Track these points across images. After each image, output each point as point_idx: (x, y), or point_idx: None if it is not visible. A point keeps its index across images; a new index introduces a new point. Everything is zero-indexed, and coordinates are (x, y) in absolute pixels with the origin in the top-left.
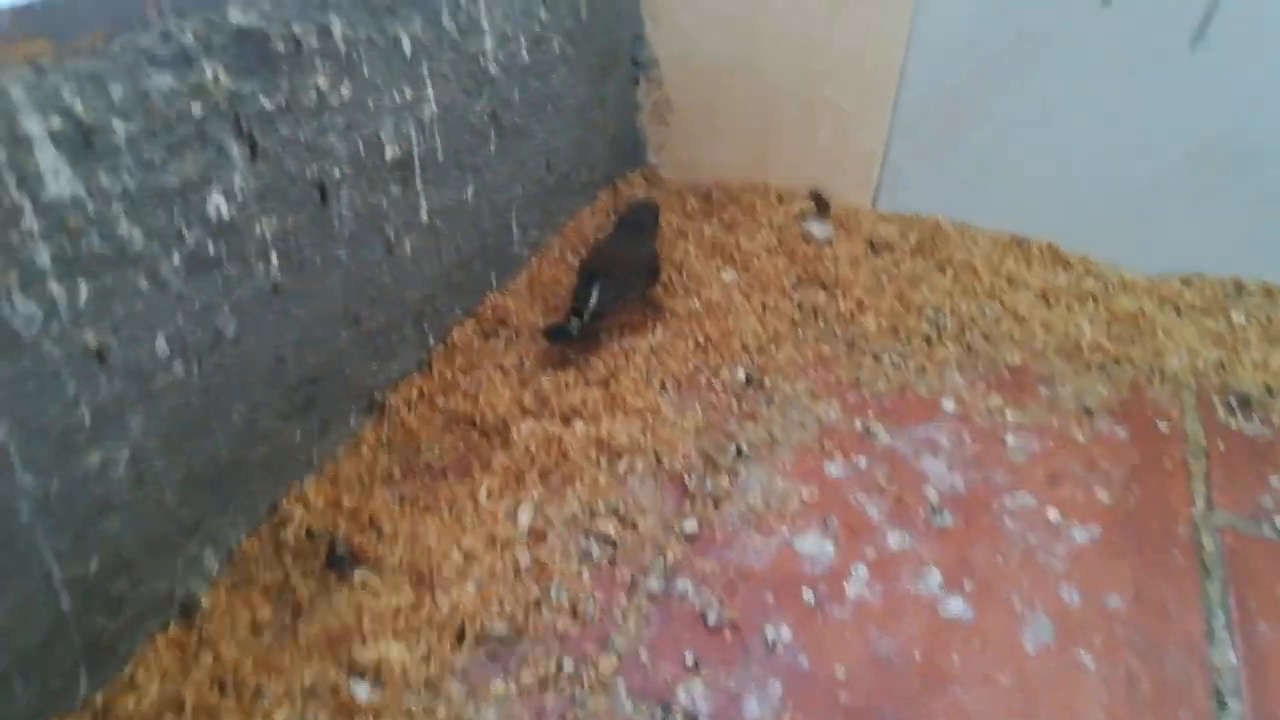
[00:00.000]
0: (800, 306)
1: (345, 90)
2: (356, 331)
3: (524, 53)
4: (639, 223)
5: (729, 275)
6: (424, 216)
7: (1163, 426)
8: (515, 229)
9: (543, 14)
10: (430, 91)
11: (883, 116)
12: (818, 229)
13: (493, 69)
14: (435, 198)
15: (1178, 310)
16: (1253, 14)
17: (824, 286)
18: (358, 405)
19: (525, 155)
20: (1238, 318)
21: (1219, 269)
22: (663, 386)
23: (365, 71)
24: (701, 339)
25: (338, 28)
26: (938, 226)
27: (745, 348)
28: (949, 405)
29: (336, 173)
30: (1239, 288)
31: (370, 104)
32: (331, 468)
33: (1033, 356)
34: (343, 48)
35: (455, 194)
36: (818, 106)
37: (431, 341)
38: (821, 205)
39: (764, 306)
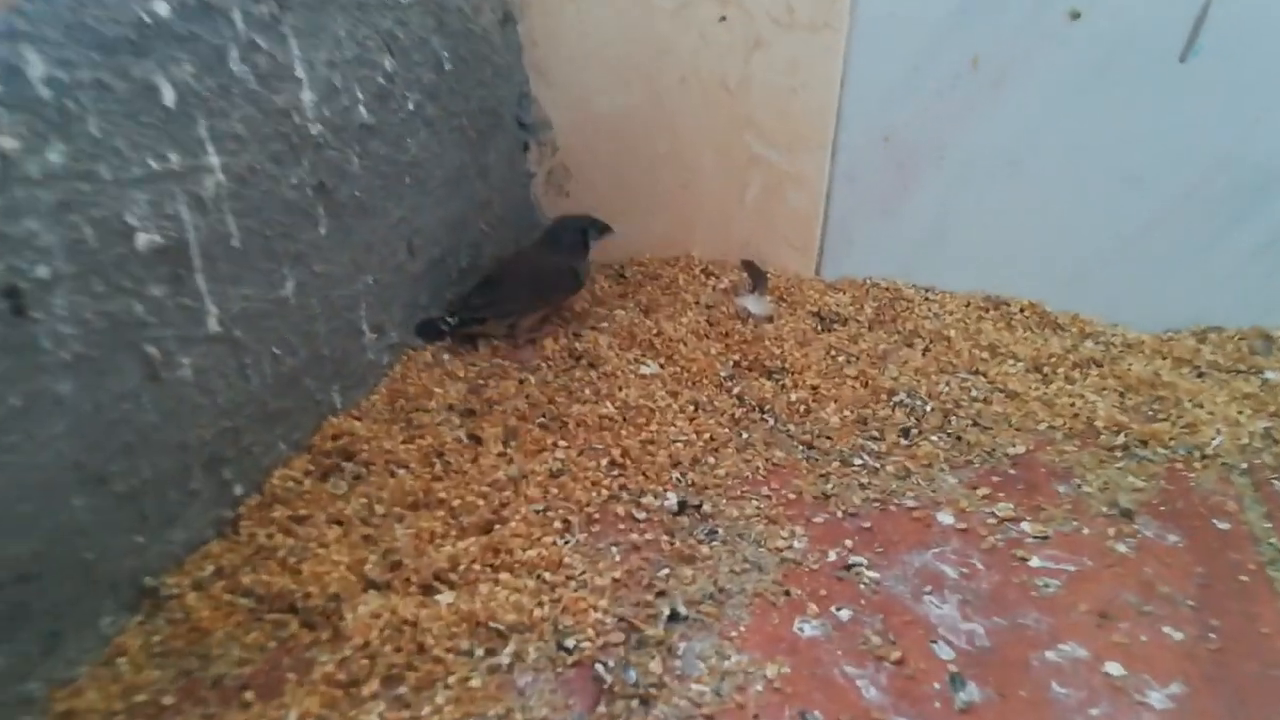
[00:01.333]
0: (741, 401)
1: (54, 155)
2: (102, 495)
3: (362, 109)
4: (557, 238)
5: (649, 368)
6: (213, 325)
7: (1222, 525)
8: (367, 330)
9: (387, 63)
10: (213, 158)
11: (820, 167)
12: (754, 304)
13: (315, 129)
14: (231, 298)
15: (1199, 372)
16: (1253, 12)
17: (769, 374)
18: (115, 599)
19: (375, 238)
20: (1274, 375)
21: (1237, 320)
22: (566, 526)
23: (93, 130)
24: (618, 454)
25: (35, 68)
26: (897, 292)
27: (675, 461)
28: (946, 518)
29: (40, 271)
30: (1267, 339)
31: (104, 174)
32: (64, 702)
33: (1039, 444)
34: (46, 94)
35: (265, 291)
36: (742, 161)
37: (239, 492)
38: (757, 276)
39: (696, 405)
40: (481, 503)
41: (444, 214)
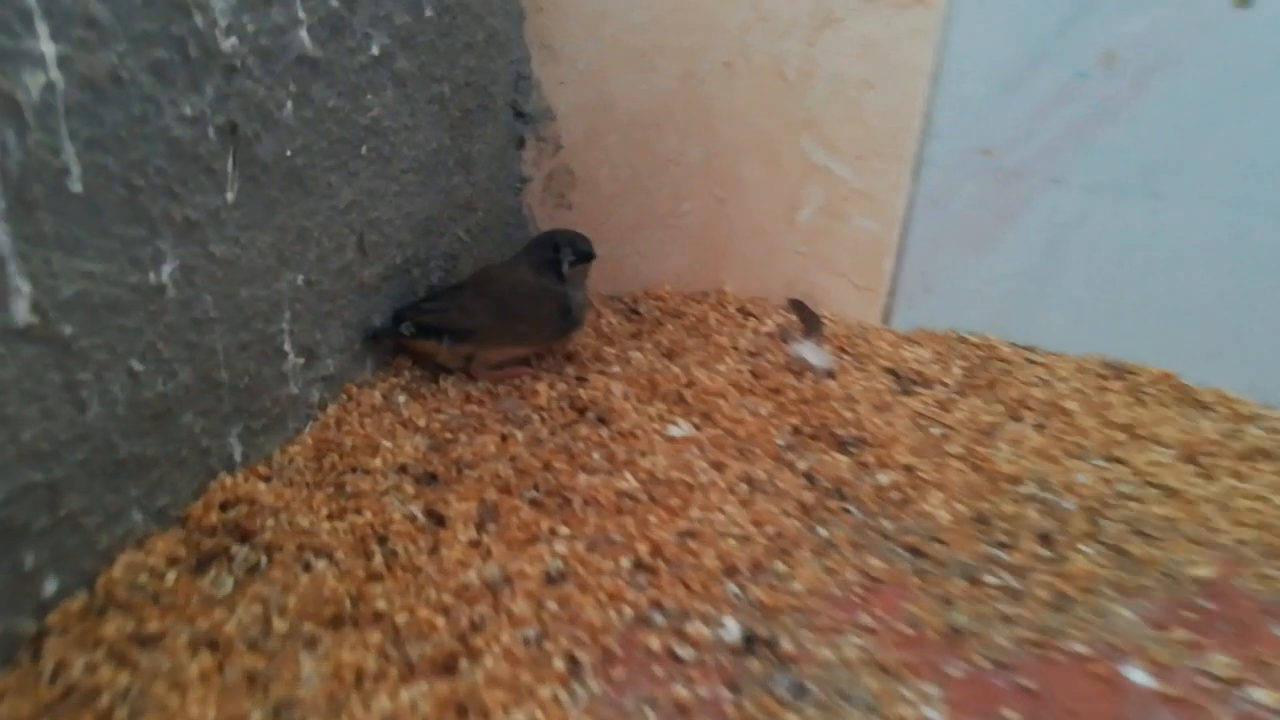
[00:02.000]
0: (811, 481)
1: None
2: None
3: (303, 35)
4: (541, 256)
5: (680, 428)
6: (22, 313)
7: None
8: (290, 352)
9: None
10: (46, 43)
11: (897, 185)
12: (812, 354)
13: (227, 44)
14: (60, 274)
15: None
16: None
17: (841, 446)
18: None
19: (312, 223)
20: None
21: None
22: (571, 669)
23: None
24: (645, 551)
25: None
26: (991, 350)
27: (730, 567)
28: (1139, 675)
29: None
30: None
31: None
32: None
33: (1230, 565)
34: None
35: (124, 272)
36: (797, 173)
37: (50, 589)
38: (810, 321)
39: (749, 484)
40: (441, 622)
41: (411, 209)
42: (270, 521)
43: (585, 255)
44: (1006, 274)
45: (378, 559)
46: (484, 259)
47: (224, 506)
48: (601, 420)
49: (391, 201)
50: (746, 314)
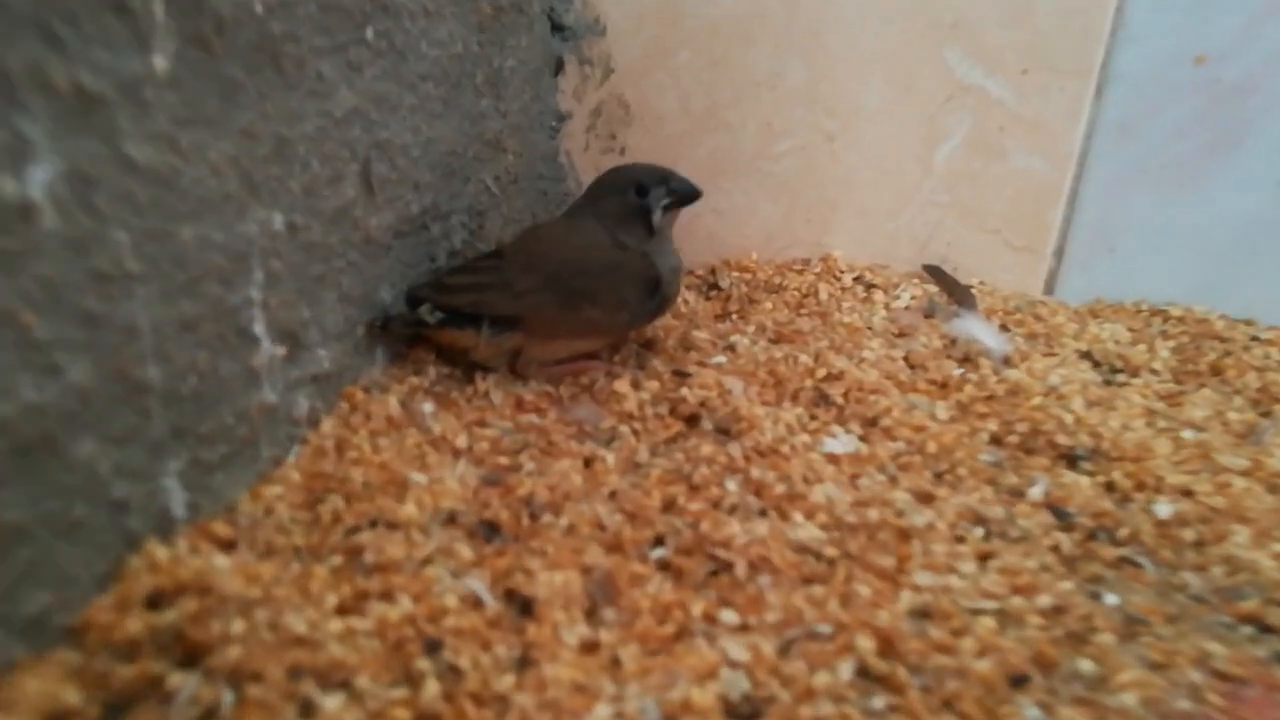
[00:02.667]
0: (1059, 516)
1: None
2: None
3: None
4: (617, 205)
5: (842, 442)
6: None
7: None
8: (263, 338)
9: None
10: None
11: (1075, 113)
12: (986, 334)
13: None
14: None
15: None
16: None
17: (1067, 459)
18: None
19: (295, 133)
20: None
21: None
22: None
23: None
24: (870, 649)
25: None
26: (1203, 325)
27: (1011, 671)
28: None
29: None
30: None
31: None
32: None
33: None
34: None
35: None
36: (937, 97)
37: None
38: (957, 292)
39: (980, 524)
40: None
41: (432, 134)
42: (237, 625)
43: (687, 195)
44: (1218, 224)
45: (430, 688)
46: (513, 221)
47: (154, 602)
48: (723, 432)
49: (406, 119)
50: (869, 285)
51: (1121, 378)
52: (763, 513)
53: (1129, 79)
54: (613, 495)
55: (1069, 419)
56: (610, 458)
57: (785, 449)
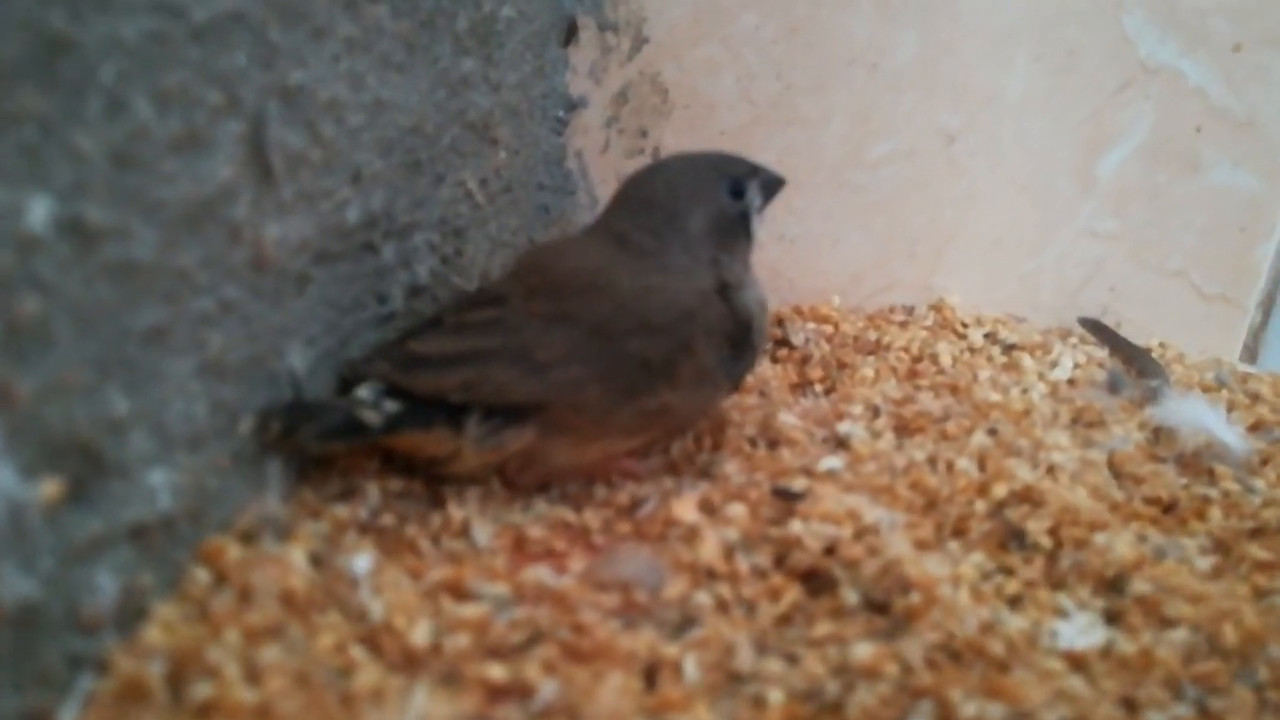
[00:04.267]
0: None
1: None
2: None
3: None
4: (693, 216)
5: (1079, 625)
6: None
7: None
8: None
9: None
10: None
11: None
12: (1215, 422)
13: None
14: None
15: None
16: None
17: None
18: None
19: (76, 26)
20: None
21: None
22: None
23: None
24: None
25: None
26: None
27: None
28: None
29: None
30: None
31: None
32: None
33: None
34: None
35: None
36: (1107, 84)
37: None
38: (1137, 358)
39: None
40: None
41: (384, 93)
42: None
43: (776, 184)
44: None
45: None
46: (502, 247)
47: None
48: (879, 608)
49: (340, 59)
50: (1008, 347)
51: None
52: None
53: None
54: None
55: None
56: (689, 664)
57: (997, 647)
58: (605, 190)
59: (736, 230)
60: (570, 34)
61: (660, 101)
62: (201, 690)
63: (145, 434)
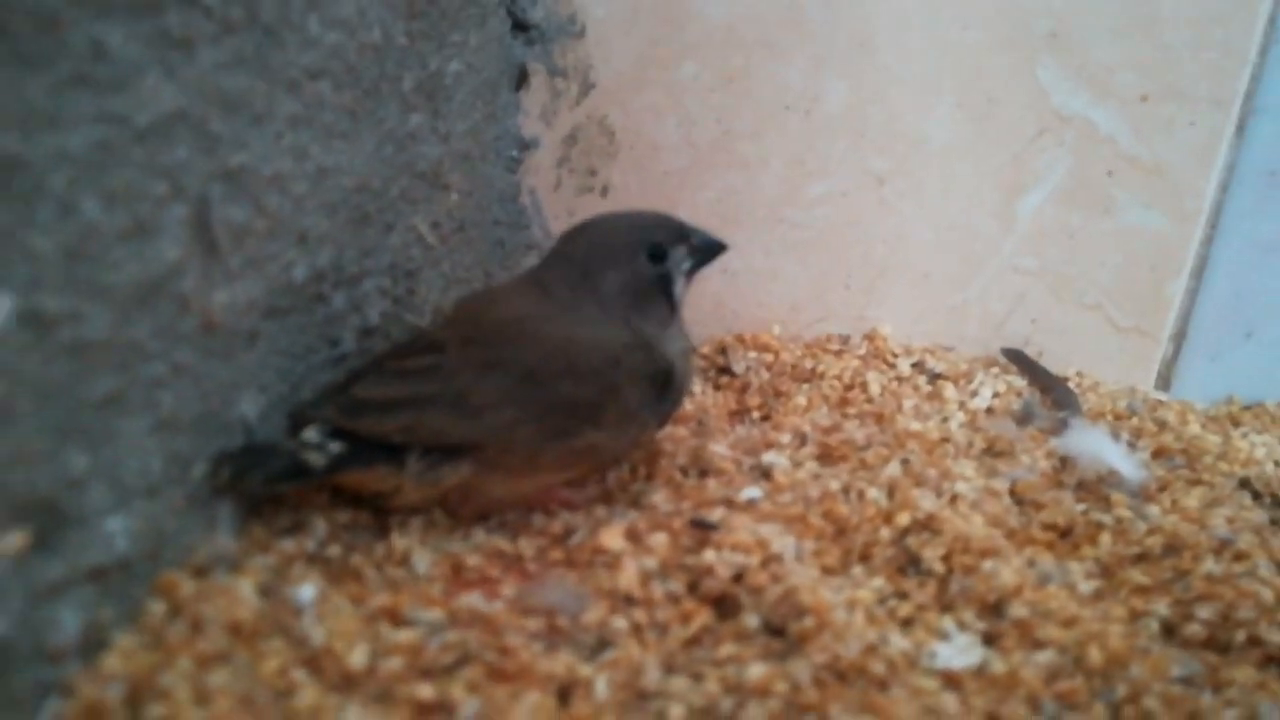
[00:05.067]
0: None
1: None
2: None
3: None
4: (618, 266)
5: (959, 650)
6: None
7: None
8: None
9: None
10: None
11: (1209, 152)
12: (1111, 453)
13: None
14: None
15: None
16: None
17: None
18: None
19: (29, 143)
20: None
21: None
22: None
23: None
24: None
25: None
26: None
27: None
28: None
29: None
30: None
31: None
32: None
33: None
34: None
35: None
36: (1026, 129)
37: None
38: (1053, 388)
39: None
40: None
41: (327, 161)
42: None
43: (710, 251)
44: None
45: None
46: (457, 282)
47: None
48: (776, 631)
49: (283, 137)
50: (934, 376)
51: None
52: None
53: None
54: None
55: (1268, 596)
56: (600, 683)
57: (879, 668)
58: (558, 225)
59: (651, 294)
60: (522, 79)
61: (608, 143)
62: (155, 711)
63: (103, 488)
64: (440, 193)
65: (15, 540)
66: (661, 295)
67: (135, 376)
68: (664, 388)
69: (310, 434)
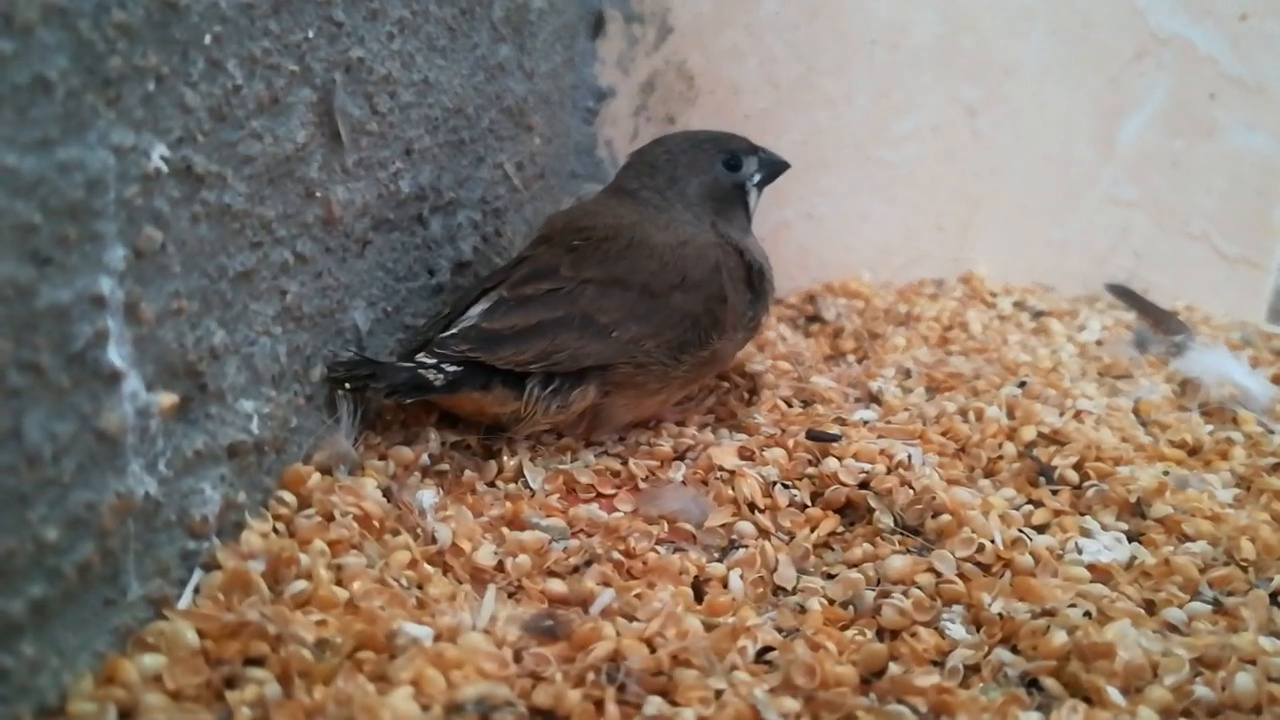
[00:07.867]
0: None
1: None
2: None
3: None
4: (696, 178)
5: (1105, 546)
6: None
7: None
8: (127, 369)
9: None
10: None
11: None
12: (1239, 372)
13: None
14: None
15: None
16: None
17: None
18: None
19: None
20: None
21: None
22: None
23: None
24: None
25: None
26: None
27: None
28: None
29: None
30: None
31: None
32: None
33: None
34: None
35: None
36: (1122, 54)
37: None
38: (1159, 318)
39: None
40: None
41: (431, 73)
42: None
43: (778, 166)
44: None
45: None
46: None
47: None
48: (912, 530)
49: (394, 37)
50: (1037, 314)
51: None
52: (1031, 684)
53: None
54: (763, 653)
55: None
56: (735, 579)
57: (1025, 559)
58: None
59: (731, 199)
60: (598, 27)
61: (686, 88)
62: (298, 586)
63: (238, 366)
64: (524, 133)
65: (166, 400)
66: (739, 203)
67: (265, 257)
68: (756, 289)
69: (425, 356)
